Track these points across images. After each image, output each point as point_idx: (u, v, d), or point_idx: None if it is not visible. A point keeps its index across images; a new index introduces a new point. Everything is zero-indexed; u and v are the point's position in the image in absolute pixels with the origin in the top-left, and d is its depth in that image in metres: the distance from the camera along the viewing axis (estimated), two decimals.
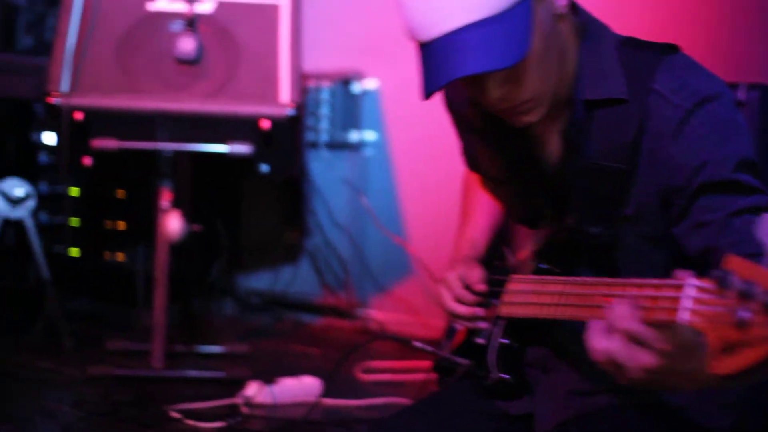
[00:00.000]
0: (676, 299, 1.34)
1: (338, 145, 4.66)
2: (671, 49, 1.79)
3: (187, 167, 3.76)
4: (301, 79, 3.79)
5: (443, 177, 3.23)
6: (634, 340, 1.38)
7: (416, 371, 3.67)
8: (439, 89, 1.68)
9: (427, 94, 1.67)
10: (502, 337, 1.93)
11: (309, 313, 4.72)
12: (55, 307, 4.03)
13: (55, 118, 3.65)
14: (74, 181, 4.41)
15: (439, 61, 1.65)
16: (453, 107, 2.05)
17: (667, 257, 1.78)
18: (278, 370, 3.60)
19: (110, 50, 3.77)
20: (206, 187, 4.00)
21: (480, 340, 1.98)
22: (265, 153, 3.66)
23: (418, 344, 2.20)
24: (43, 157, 4.45)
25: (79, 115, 3.60)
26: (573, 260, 1.85)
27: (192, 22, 3.70)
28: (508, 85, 1.69)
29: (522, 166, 1.92)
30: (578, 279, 1.72)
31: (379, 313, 4.56)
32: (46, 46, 4.85)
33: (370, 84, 4.63)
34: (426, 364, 3.61)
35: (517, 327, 1.92)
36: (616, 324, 1.40)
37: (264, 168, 3.70)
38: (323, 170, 4.69)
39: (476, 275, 1.98)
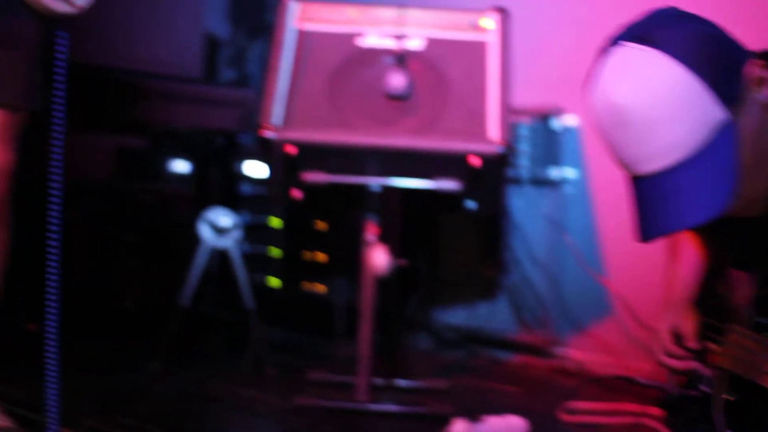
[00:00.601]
0: None
1: (538, 182, 4.64)
2: None
3: (393, 202, 3.78)
4: (509, 116, 3.77)
5: None
6: None
7: (620, 414, 3.62)
8: (657, 238, 1.65)
9: (646, 239, 1.66)
10: (727, 393, 1.88)
11: (504, 350, 4.69)
12: (259, 336, 4.10)
13: (266, 152, 3.71)
14: (277, 212, 4.48)
15: (655, 204, 1.63)
16: None
17: None
18: (478, 407, 3.59)
19: (321, 85, 3.82)
20: (409, 221, 4.02)
21: (703, 388, 1.94)
22: (472, 190, 3.66)
23: (642, 381, 2.16)
24: (245, 188, 4.55)
25: (292, 149, 3.65)
26: None
27: (402, 59, 3.75)
28: None
29: (724, 225, 1.87)
30: None
31: (576, 353, 4.51)
32: (247, 79, 4.98)
33: (569, 120, 4.59)
34: (631, 406, 3.57)
35: (740, 380, 1.87)
36: None
37: (470, 204, 3.69)
38: (523, 206, 4.66)
39: (690, 327, 1.95)
